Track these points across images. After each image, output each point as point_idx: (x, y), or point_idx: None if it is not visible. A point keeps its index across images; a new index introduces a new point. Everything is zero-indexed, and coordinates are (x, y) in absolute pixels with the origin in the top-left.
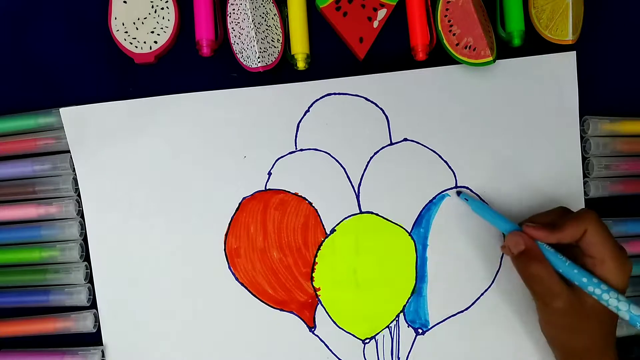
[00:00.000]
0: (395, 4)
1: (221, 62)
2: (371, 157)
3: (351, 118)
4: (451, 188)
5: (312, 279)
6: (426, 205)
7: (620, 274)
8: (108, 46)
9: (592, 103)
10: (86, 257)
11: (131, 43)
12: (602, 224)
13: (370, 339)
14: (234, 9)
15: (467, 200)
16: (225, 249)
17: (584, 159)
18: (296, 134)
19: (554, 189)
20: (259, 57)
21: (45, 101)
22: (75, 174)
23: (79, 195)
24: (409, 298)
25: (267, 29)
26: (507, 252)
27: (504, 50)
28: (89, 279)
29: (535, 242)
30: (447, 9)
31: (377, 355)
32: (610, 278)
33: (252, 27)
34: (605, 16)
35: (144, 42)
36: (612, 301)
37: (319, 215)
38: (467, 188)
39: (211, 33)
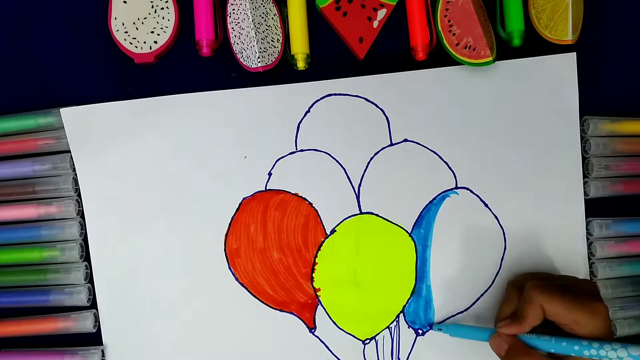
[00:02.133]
0: (395, 4)
1: (221, 62)
2: (371, 158)
3: (351, 118)
4: (451, 189)
5: (312, 279)
6: (426, 205)
7: (599, 321)
8: (108, 46)
9: (592, 103)
10: (86, 257)
11: (131, 43)
12: (550, 291)
13: (371, 339)
14: (234, 9)
15: (441, 330)
16: (225, 249)
17: (584, 159)
18: (296, 134)
19: (554, 189)
20: (259, 57)
21: (45, 101)
22: (76, 174)
23: (79, 195)
24: (409, 298)
25: (267, 29)
26: (498, 355)
27: (504, 50)
28: (89, 279)
29: (516, 338)
30: (447, 9)
31: (377, 356)
32: (593, 331)
33: (252, 27)
34: (605, 16)
35: (144, 42)
36: (611, 353)
37: (319, 216)
38: (467, 189)
39: (211, 33)
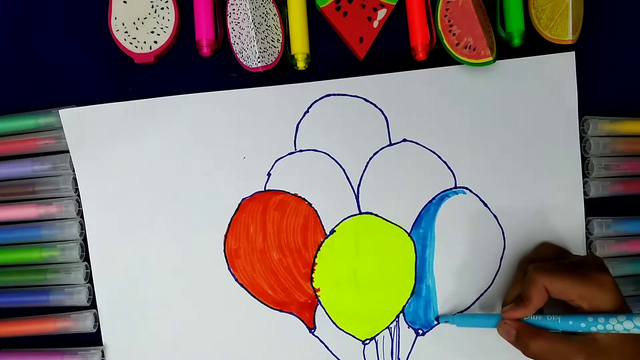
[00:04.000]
0: (395, 4)
1: (221, 62)
2: (370, 158)
3: (350, 119)
4: (451, 189)
5: (311, 279)
6: (425, 205)
7: (605, 293)
8: (108, 46)
9: (592, 103)
10: (86, 257)
11: (131, 43)
12: (551, 270)
13: (370, 339)
14: (234, 9)
15: (447, 322)
16: (224, 250)
17: (584, 159)
18: (295, 134)
19: (554, 189)
20: (259, 57)
21: (45, 101)
22: (75, 174)
23: (79, 195)
24: (409, 298)
25: (267, 29)
26: (508, 341)
27: (504, 50)
28: (89, 279)
29: (522, 322)
30: (447, 9)
31: (377, 356)
32: (600, 304)
33: (252, 27)
34: (605, 16)
35: (144, 42)
36: (618, 326)
37: (319, 216)
38: (467, 188)
39: (211, 33)
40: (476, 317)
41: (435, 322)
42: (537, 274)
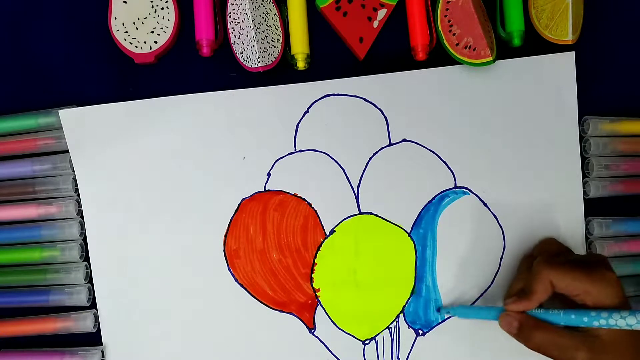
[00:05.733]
0: (395, 4)
1: (221, 62)
2: (370, 158)
3: (350, 119)
4: (450, 189)
5: (311, 279)
6: (425, 205)
7: (608, 290)
8: (108, 46)
9: (592, 103)
10: (86, 257)
11: (131, 43)
12: (558, 264)
13: (370, 339)
14: (234, 9)
15: (448, 313)
16: (224, 250)
17: (584, 159)
18: (295, 134)
19: (554, 189)
20: (259, 57)
21: (45, 101)
22: (75, 174)
23: (79, 195)
24: (409, 298)
25: (267, 29)
26: (508, 332)
27: (504, 50)
28: (89, 279)
29: (525, 314)
30: (447, 9)
31: (377, 356)
32: (604, 301)
33: (252, 27)
34: (605, 16)
35: (144, 42)
36: (620, 322)
37: (319, 216)
38: (467, 188)
39: (211, 33)
40: (478, 309)
41: (437, 313)
42: (544, 267)
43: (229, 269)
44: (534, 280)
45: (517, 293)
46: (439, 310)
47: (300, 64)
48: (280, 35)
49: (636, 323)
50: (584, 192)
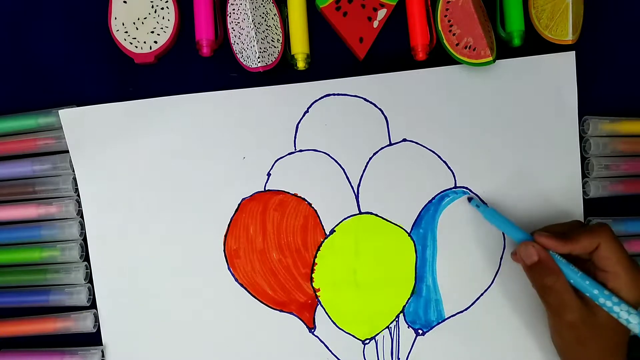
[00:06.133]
0: (395, 4)
1: (221, 62)
2: (370, 158)
3: (350, 119)
4: (450, 188)
5: (311, 279)
6: (425, 205)
7: (634, 288)
8: (108, 46)
9: (592, 103)
10: (86, 257)
11: (131, 43)
12: (617, 239)
13: (370, 339)
14: (234, 9)
15: (478, 207)
16: (224, 250)
17: (584, 159)
18: (295, 134)
19: (554, 189)
20: (259, 57)
21: (45, 101)
22: (75, 174)
23: (79, 195)
24: (409, 298)
25: (267, 29)
26: (519, 261)
27: (504, 50)
28: (89, 279)
29: (549, 254)
30: (447, 9)
31: (377, 356)
32: (623, 292)
33: (252, 27)
34: (605, 16)
35: (144, 42)
36: (623, 314)
37: (319, 216)
38: (466, 188)
39: (211, 33)
40: (506, 222)
41: (468, 202)
42: (605, 229)
43: (229, 268)
44: (586, 232)
45: (554, 233)
46: (469, 199)
47: (300, 64)
48: (280, 35)
49: (636, 324)
50: (584, 192)
